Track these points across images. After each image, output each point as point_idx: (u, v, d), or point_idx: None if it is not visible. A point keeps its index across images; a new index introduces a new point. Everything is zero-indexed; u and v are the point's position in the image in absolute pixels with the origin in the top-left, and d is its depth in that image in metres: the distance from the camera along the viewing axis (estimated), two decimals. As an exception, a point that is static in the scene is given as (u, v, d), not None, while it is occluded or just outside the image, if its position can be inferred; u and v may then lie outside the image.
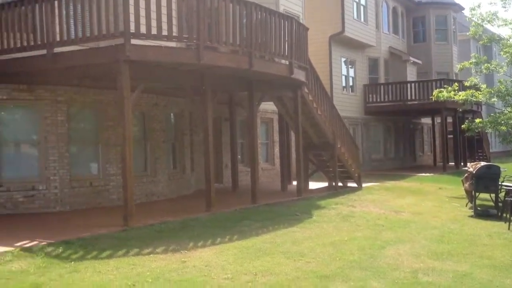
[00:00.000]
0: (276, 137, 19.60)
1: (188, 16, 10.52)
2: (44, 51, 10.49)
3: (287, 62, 13.01)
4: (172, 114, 15.32)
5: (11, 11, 10.88)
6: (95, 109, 12.93)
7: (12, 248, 7.66)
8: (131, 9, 9.82)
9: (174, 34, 10.38)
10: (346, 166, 17.24)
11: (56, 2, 10.35)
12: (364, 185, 17.71)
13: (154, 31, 10.06)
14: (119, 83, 9.89)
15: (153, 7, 9.98)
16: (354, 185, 17.65)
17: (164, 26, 10.16)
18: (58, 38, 10.38)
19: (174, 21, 10.19)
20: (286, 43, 12.76)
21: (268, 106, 18.91)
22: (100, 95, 12.74)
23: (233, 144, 16.93)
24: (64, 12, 10.30)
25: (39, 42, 10.59)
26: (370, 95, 27.54)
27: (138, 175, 13.49)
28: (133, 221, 9.73)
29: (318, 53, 24.12)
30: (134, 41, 9.96)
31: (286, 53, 12.79)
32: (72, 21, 10.33)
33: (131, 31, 9.82)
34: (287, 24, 12.76)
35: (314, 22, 23.19)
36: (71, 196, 12.18)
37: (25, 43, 10.78)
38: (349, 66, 26.89)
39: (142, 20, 9.88)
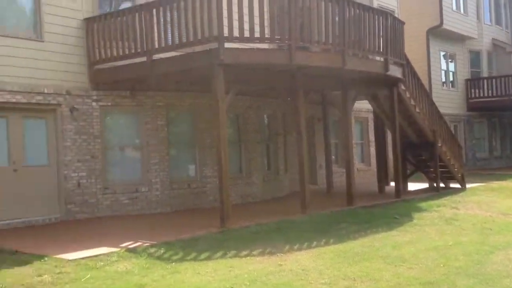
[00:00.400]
0: (372, 137, 19.10)
1: (279, 16, 10.46)
2: (144, 58, 10.90)
3: (382, 59, 12.59)
4: (265, 115, 15.36)
5: (113, 21, 11.39)
6: (191, 113, 13.24)
7: (118, 249, 7.96)
8: (225, 13, 9.92)
9: (266, 35, 10.36)
10: (448, 166, 16.42)
11: (154, 10, 10.70)
12: (468, 185, 16.77)
13: (246, 33, 10.11)
14: (213, 87, 10.04)
15: (245, 10, 10.03)
16: (457, 186, 16.76)
17: (256, 28, 10.18)
18: (156, 45, 10.74)
19: (266, 23, 10.18)
20: (381, 39, 12.35)
21: (362, 105, 18.45)
22: (196, 98, 13.03)
23: (327, 144, 16.69)
24: (161, 20, 10.62)
25: (139, 50, 11.01)
26: (473, 90, 26.09)
27: (233, 177, 13.64)
28: (229, 223, 9.82)
29: (415, 48, 23.22)
30: (227, 45, 10.08)
31: (381, 50, 12.38)
32: (169, 28, 10.64)
33: (225, 35, 9.93)
34: (382, 19, 12.35)
35: (410, 16, 22.37)
36: (171, 198, 12.54)
37: (126, 51, 11.24)
38: (449, 60, 25.64)
39: (235, 24, 9.96)
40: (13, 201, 10.59)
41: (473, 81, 26.30)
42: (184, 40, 10.43)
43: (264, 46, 11.06)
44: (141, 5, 11.11)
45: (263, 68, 11.00)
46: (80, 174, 11.51)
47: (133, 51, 11.13)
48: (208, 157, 13.21)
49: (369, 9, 12.05)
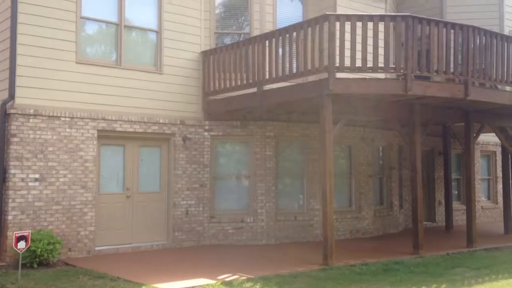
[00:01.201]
0: (500, 172, 17.55)
1: (395, 45, 9.91)
2: (254, 89, 10.90)
3: (511, 89, 11.49)
4: (380, 147, 14.68)
5: (228, 53, 11.56)
6: (301, 144, 12.99)
7: (214, 281, 7.84)
8: (337, 43, 9.61)
9: (380, 65, 9.85)
10: None
11: (267, 42, 10.68)
12: None
13: (358, 63, 9.70)
14: (321, 117, 9.72)
15: (358, 38, 9.65)
16: None
17: (370, 57, 9.73)
18: (267, 76, 10.69)
19: (381, 51, 9.68)
20: (510, 67, 11.27)
21: (489, 138, 17.06)
22: (306, 129, 12.77)
23: (447, 179, 15.55)
24: (273, 51, 10.56)
25: (250, 81, 11.03)
26: None
27: (342, 211, 13.18)
28: (332, 260, 9.34)
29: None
30: (339, 75, 9.76)
31: (511, 79, 11.29)
32: (280, 59, 10.54)
33: (335, 64, 9.62)
34: (511, 46, 11.29)
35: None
36: (276, 230, 12.30)
37: (238, 83, 11.33)
38: None
39: (347, 53, 9.60)
40: (123, 226, 10.97)
41: None
42: (294, 70, 10.27)
43: (380, 76, 10.53)
44: (255, 37, 11.17)
45: (376, 98, 10.50)
46: (188, 202, 11.69)
47: (245, 82, 11.19)
48: (316, 189, 12.80)
49: (497, 35, 11.05)
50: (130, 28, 11.41)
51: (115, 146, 11.10)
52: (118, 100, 10.94)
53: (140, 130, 11.20)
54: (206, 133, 12.07)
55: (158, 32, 11.64)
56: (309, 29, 9.95)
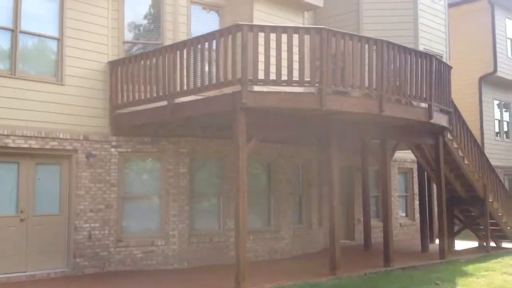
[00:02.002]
0: (417, 189, 17.69)
1: (311, 58, 9.55)
2: (165, 102, 10.22)
3: (425, 105, 11.45)
4: (299, 164, 14.32)
5: (137, 64, 10.81)
6: (217, 161, 12.39)
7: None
8: (249, 55, 9.13)
9: (294, 78, 9.45)
10: (500, 224, 14.85)
11: (178, 52, 10.05)
12: (523, 246, 15.10)
13: (273, 76, 9.26)
14: (234, 132, 9.19)
15: (272, 52, 9.22)
16: (510, 245, 15.11)
17: (285, 70, 9.33)
18: (178, 89, 10.04)
19: (296, 65, 9.30)
20: (425, 84, 11.24)
21: (407, 155, 17.18)
22: (222, 145, 12.18)
23: (365, 196, 15.42)
24: (184, 62, 9.94)
25: (160, 93, 10.34)
26: (530, 141, 24.27)
27: (260, 231, 12.67)
28: (245, 284, 8.75)
29: (467, 96, 21.89)
30: (256, 88, 9.30)
31: (425, 95, 11.25)
32: (192, 71, 9.91)
33: (249, 77, 9.13)
34: (426, 63, 11.26)
35: (462, 62, 21.21)
36: (189, 253, 11.57)
37: (148, 95, 10.60)
38: (503, 109, 24.02)
39: (261, 65, 9.15)
40: (16, 252, 9.89)
41: (530, 131, 24.49)
42: (207, 83, 9.69)
43: (295, 89, 10.12)
44: (165, 47, 10.49)
45: (292, 113, 10.09)
46: (92, 224, 10.74)
47: (155, 94, 10.48)
48: (233, 208, 12.05)
49: (411, 51, 10.99)
50: (27, 34, 10.42)
51: (7, 164, 10.04)
52: (12, 113, 9.92)
53: (37, 146, 10.19)
54: (113, 150, 11.21)
55: (60, 40, 10.73)
56: (222, 39, 9.43)
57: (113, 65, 11.22)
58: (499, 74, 22.13)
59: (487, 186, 14.35)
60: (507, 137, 23.98)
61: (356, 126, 11.47)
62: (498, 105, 23.61)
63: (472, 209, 14.98)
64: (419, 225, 15.95)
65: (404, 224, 18.22)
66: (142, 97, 10.69)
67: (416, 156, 14.35)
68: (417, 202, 17.72)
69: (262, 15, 12.64)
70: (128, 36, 11.79)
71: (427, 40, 15.81)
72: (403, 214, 18.63)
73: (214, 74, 9.54)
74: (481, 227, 14.83)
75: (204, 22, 12.50)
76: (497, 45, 22.16)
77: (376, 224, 16.53)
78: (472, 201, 14.53)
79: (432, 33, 16.15)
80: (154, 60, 10.54)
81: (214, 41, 9.57)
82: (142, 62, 10.74)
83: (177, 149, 11.69)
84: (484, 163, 15.02)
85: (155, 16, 12.01)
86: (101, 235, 10.84)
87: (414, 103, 11.61)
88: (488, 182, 14.73)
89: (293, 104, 9.45)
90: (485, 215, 14.21)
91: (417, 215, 17.85)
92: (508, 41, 23.08)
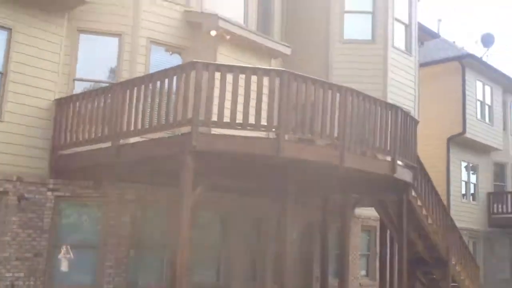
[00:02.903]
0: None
1: (269, 102, 8.87)
2: (110, 144, 9.37)
3: (389, 159, 10.83)
4: (258, 217, 13.42)
5: (85, 102, 10.01)
6: (166, 210, 11.42)
7: None
8: (203, 95, 8.43)
9: (250, 122, 8.73)
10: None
11: (128, 91, 9.28)
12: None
13: (226, 119, 8.53)
14: (181, 178, 8.34)
15: (228, 95, 8.53)
16: (475, 312, 14.41)
17: (240, 114, 8.63)
18: (124, 129, 9.22)
19: (252, 109, 8.62)
20: (389, 136, 10.66)
21: (371, 212, 16.39)
22: (172, 194, 11.14)
23: (323, 254, 14.55)
24: (134, 100, 9.15)
25: (106, 133, 9.50)
26: (495, 205, 23.93)
27: (206, 287, 11.63)
28: None
29: (434, 155, 21.57)
30: (202, 130, 8.51)
31: (389, 148, 10.65)
32: (140, 110, 9.08)
33: (200, 118, 8.38)
34: (391, 114, 10.71)
35: (430, 121, 20.96)
36: (127, 309, 10.45)
37: (92, 135, 9.74)
38: (471, 171, 23.78)
39: (216, 108, 8.45)
40: None
41: (497, 195, 24.24)
42: (155, 123, 8.89)
43: (254, 134, 9.37)
44: (116, 84, 9.72)
45: (248, 160, 9.28)
46: (16, 274, 9.58)
47: (100, 134, 9.63)
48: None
49: (376, 100, 10.45)
50: (-33, 66, 9.57)
51: None
52: None
53: (-40, 186, 9.15)
54: (49, 193, 10.21)
55: (3, 74, 9.88)
56: (175, 77, 8.73)
57: (59, 103, 10.41)
58: (467, 135, 22.02)
59: (450, 248, 13.69)
60: (474, 199, 23.66)
61: (316, 178, 10.74)
62: (466, 167, 23.41)
63: (434, 272, 14.26)
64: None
65: (364, 285, 17.29)
66: (86, 137, 9.81)
67: (378, 213, 13.67)
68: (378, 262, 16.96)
69: (227, 60, 11.99)
70: (81, 74, 10.94)
71: (395, 95, 15.40)
72: (364, 274, 17.76)
73: (164, 114, 8.75)
74: (444, 290, 14.09)
75: (166, 64, 11.72)
76: (467, 107, 22.16)
77: (335, 283, 15.64)
78: (435, 264, 13.85)
79: (401, 88, 15.82)
80: (102, 99, 9.75)
81: (167, 80, 8.85)
82: (91, 100, 9.92)
83: (122, 196, 10.76)
84: (448, 224, 14.44)
85: (112, 54, 11.23)
86: (25, 287, 9.65)
87: (380, 156, 10.99)
88: (452, 244, 14.09)
89: (247, 149, 8.69)
90: (447, 279, 13.51)
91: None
92: (478, 103, 23.13)
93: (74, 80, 10.88)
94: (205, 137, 8.47)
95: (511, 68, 58.86)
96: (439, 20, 26.84)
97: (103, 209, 10.68)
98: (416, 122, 12.16)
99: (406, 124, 11.42)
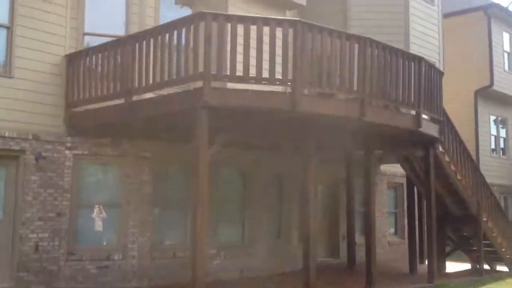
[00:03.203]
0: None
1: (283, 55, 8.51)
2: (123, 100, 9.20)
3: (413, 113, 10.41)
4: (279, 174, 13.23)
5: (95, 57, 9.80)
6: (185, 167, 11.25)
7: None
8: (213, 48, 8.12)
9: (264, 76, 8.40)
10: (495, 245, 13.75)
11: (137, 45, 9.03)
12: (519, 269, 14.00)
13: (239, 73, 8.22)
14: (195, 134, 8.13)
15: (239, 48, 8.19)
16: (505, 269, 14.01)
17: (253, 70, 8.30)
18: (136, 85, 9.01)
19: (265, 62, 8.28)
20: (412, 88, 10.22)
21: (397, 169, 16.04)
22: (190, 150, 11.09)
23: (349, 211, 14.33)
24: (144, 55, 8.91)
25: (118, 90, 9.32)
26: (528, 159, 23.23)
27: (232, 246, 11.58)
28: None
29: (462, 110, 20.89)
30: (215, 84, 8.24)
31: (413, 101, 10.22)
32: (151, 65, 8.84)
33: (212, 72, 8.10)
34: (414, 66, 10.25)
35: (456, 75, 20.19)
36: (151, 269, 10.47)
37: (105, 91, 9.57)
38: (500, 125, 23.03)
39: (227, 63, 8.15)
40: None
41: (528, 149, 23.46)
42: (166, 78, 8.66)
43: (269, 88, 9.06)
44: (123, 37, 9.43)
45: (264, 116, 9.02)
46: (40, 235, 9.57)
47: (112, 91, 9.45)
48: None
49: (397, 51, 9.98)
50: (-29, 20, 9.44)
51: None
52: (-50, 107, 8.89)
53: (-24, 145, 9.14)
54: (67, 152, 10.11)
55: (9, 28, 9.70)
56: (183, 29, 8.43)
57: (71, 58, 10.19)
58: (495, 88, 21.20)
59: (481, 203, 13.28)
60: (504, 154, 22.96)
61: (337, 134, 10.41)
62: (495, 120, 22.66)
63: (464, 229, 13.90)
64: (408, 244, 14.86)
65: (393, 243, 17.06)
66: (99, 94, 9.65)
67: (404, 169, 13.36)
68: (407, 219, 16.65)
69: (239, 12, 11.63)
70: (89, 28, 10.71)
71: (418, 46, 14.76)
72: (393, 232, 17.51)
73: (175, 68, 8.51)
74: (474, 248, 13.74)
75: (175, 16, 11.38)
76: (494, 58, 21.27)
77: (362, 241, 15.38)
78: (465, 220, 13.46)
79: (425, 40, 15.17)
80: (113, 53, 9.52)
81: (176, 32, 8.55)
82: (100, 54, 9.72)
83: (139, 153, 10.63)
84: (478, 179, 13.98)
85: (120, 7, 10.95)
86: (50, 247, 9.69)
87: (403, 110, 10.58)
88: (483, 199, 13.67)
89: (261, 104, 8.40)
90: (478, 235, 13.12)
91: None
92: (505, 54, 22.20)
93: (83, 34, 10.61)
94: (218, 92, 8.21)
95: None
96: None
97: (122, 168, 10.59)
98: (441, 74, 11.66)
99: (431, 75, 10.95)
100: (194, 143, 8.17)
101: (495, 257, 14.10)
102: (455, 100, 20.85)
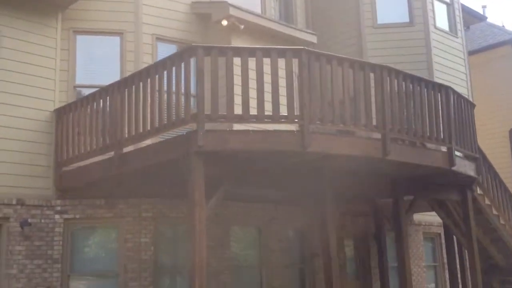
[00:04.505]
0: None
1: (288, 90, 7.43)
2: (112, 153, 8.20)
3: (445, 149, 9.11)
4: (299, 230, 11.87)
5: (84, 109, 8.90)
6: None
7: None
8: (206, 85, 7.13)
9: (266, 113, 7.31)
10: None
11: (126, 91, 8.11)
12: None
13: (238, 110, 7.16)
14: (189, 184, 7.00)
15: (237, 79, 7.20)
16: None
17: (255, 104, 7.24)
18: (126, 135, 8.02)
19: (268, 97, 7.23)
20: (441, 122, 8.98)
21: (434, 218, 14.52)
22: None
23: (382, 267, 12.76)
24: (133, 101, 7.96)
25: (107, 142, 8.35)
26: None
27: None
28: None
29: (496, 151, 19.42)
30: (210, 126, 7.18)
31: (442, 136, 8.95)
32: (141, 112, 7.84)
33: (206, 112, 7.06)
34: (440, 95, 9.05)
35: (486, 114, 18.96)
36: None
37: (94, 146, 8.60)
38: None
39: (222, 100, 7.12)
40: None
41: None
42: (157, 124, 7.63)
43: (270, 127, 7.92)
44: (112, 84, 8.51)
45: (272, 161, 7.86)
46: (27, 313, 8.43)
47: (101, 145, 8.48)
48: (214, 286, 9.81)
49: (420, 80, 8.80)
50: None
51: None
52: None
53: (-49, 213, 8.16)
54: (57, 216, 9.09)
55: (-7, 84, 8.94)
56: (173, 68, 7.47)
57: (60, 113, 9.35)
58: (532, 124, 19.71)
59: (531, 250, 11.66)
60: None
61: (357, 179, 9.13)
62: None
63: (514, 280, 12.22)
64: (452, 302, 13.15)
65: (435, 300, 15.32)
66: (88, 149, 8.67)
67: (440, 217, 11.83)
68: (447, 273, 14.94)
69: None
70: (81, 79, 9.89)
71: (444, 81, 13.57)
72: (433, 287, 15.74)
73: (166, 112, 7.49)
74: (528, 302, 12.00)
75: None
76: (525, 93, 19.90)
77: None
78: (513, 270, 11.82)
79: (450, 74, 13.96)
80: (101, 103, 8.61)
81: (165, 71, 7.60)
82: (89, 106, 8.81)
83: (138, 213, 9.50)
84: (525, 223, 12.36)
85: (114, 56, 10.14)
86: (39, 326, 8.51)
87: (432, 147, 9.30)
88: (531, 245, 12.03)
89: (265, 146, 7.26)
90: (531, 288, 11.44)
91: (450, 289, 15.01)
92: (537, 88, 20.81)
93: (74, 87, 9.82)
94: (214, 134, 7.11)
95: None
96: (484, 6, 24.62)
97: (119, 230, 9.45)
98: (472, 105, 10.41)
99: (461, 106, 9.70)
100: (188, 196, 7.01)
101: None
102: (488, 140, 19.54)
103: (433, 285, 15.78)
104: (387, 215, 12.35)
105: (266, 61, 7.33)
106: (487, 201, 11.43)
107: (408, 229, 15.14)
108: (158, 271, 9.51)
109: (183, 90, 7.26)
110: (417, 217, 15.03)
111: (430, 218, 14.71)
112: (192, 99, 7.32)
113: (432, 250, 16.17)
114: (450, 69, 14.26)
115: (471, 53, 19.15)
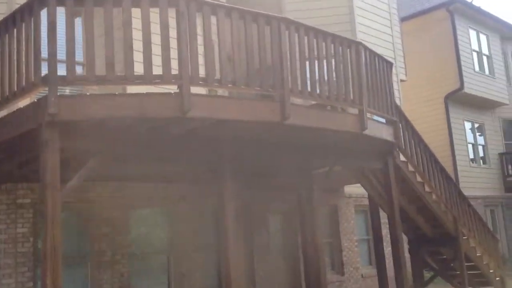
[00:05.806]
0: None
1: (163, 45, 6.31)
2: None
3: (356, 111, 8.21)
4: (212, 208, 10.88)
5: None
6: (79, 212, 8.96)
7: None
8: (61, 39, 5.95)
9: (136, 73, 6.15)
10: (480, 267, 11.46)
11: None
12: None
13: (101, 71, 6.01)
14: (40, 163, 5.82)
15: (98, 30, 6.03)
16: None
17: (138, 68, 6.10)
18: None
19: (136, 56, 6.10)
20: (351, 81, 8.07)
21: (364, 190, 13.90)
22: (89, 191, 8.81)
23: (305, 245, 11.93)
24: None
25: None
26: (510, 166, 21.17)
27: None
28: None
29: (433, 118, 19.12)
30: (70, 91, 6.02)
31: (352, 97, 8.04)
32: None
33: (60, 74, 5.87)
34: (351, 53, 8.12)
35: (423, 80, 18.51)
36: None
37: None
38: (477, 132, 21.06)
39: (80, 57, 5.97)
40: None
41: (509, 155, 21.44)
42: (6, 93, 6.39)
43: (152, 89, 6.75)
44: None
45: (150, 129, 6.72)
46: None
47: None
48: (107, 277, 8.77)
49: (325, 34, 7.81)
50: None
51: None
52: None
53: None
54: None
55: None
56: (23, 24, 6.23)
57: None
58: (466, 90, 19.33)
59: (459, 219, 11.03)
60: (484, 162, 20.88)
61: (260, 148, 8.13)
62: (471, 128, 20.68)
63: (443, 250, 11.60)
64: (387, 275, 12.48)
65: (368, 275, 14.65)
66: None
67: (364, 187, 11.14)
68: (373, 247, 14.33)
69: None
70: None
71: (367, 43, 12.75)
72: (366, 263, 15.13)
73: (15, 76, 6.25)
74: (457, 272, 11.42)
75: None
76: (462, 59, 19.46)
77: (331, 278, 13.10)
78: (442, 240, 11.21)
79: (375, 35, 13.16)
80: None
81: (15, 29, 6.36)
82: None
83: (14, 200, 8.25)
84: (453, 190, 11.73)
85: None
86: None
87: (352, 110, 8.38)
88: (460, 214, 11.44)
89: (138, 112, 6.13)
90: (460, 257, 10.84)
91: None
92: (474, 54, 20.42)
93: None
94: (71, 100, 5.97)
95: (505, 13, 55.40)
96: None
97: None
98: (389, 65, 9.53)
99: (375, 65, 8.81)
100: (41, 175, 5.83)
101: (482, 281, 11.78)
102: (425, 107, 19.17)
103: (366, 259, 15.21)
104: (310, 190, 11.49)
105: (136, 11, 6.18)
106: (411, 168, 10.70)
107: (339, 202, 14.48)
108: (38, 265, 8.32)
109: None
110: (348, 189, 14.38)
111: (362, 190, 14.00)
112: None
113: (365, 223, 15.54)
114: (376, 30, 13.47)
115: (406, 18, 18.59)
